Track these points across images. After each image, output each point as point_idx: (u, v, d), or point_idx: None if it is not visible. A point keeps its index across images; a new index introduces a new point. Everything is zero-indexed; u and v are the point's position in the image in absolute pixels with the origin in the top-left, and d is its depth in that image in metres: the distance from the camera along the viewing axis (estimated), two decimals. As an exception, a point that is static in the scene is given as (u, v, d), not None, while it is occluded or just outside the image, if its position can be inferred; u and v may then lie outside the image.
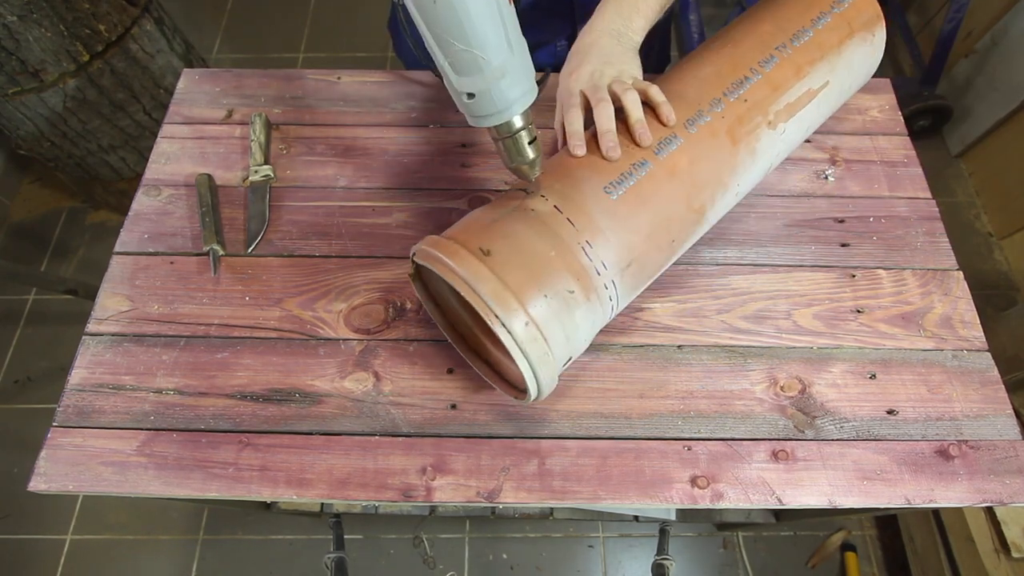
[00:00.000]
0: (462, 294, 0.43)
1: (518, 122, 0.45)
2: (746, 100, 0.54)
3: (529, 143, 0.46)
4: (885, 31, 0.62)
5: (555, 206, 0.47)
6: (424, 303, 0.54)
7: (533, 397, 0.46)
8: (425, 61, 0.86)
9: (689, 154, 0.51)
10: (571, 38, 0.76)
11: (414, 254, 0.48)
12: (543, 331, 0.44)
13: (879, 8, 0.61)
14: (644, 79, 0.55)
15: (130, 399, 0.54)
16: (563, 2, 0.73)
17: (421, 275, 0.53)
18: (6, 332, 1.54)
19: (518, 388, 0.52)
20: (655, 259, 0.52)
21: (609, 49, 0.54)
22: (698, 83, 0.54)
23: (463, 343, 0.55)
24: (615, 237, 0.48)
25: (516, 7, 0.62)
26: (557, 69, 0.74)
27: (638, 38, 0.56)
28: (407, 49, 0.85)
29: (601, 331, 0.56)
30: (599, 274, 0.47)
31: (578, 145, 0.50)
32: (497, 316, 0.42)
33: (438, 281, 0.52)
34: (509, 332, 0.42)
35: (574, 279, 0.45)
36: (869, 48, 0.62)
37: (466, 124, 0.47)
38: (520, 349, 0.43)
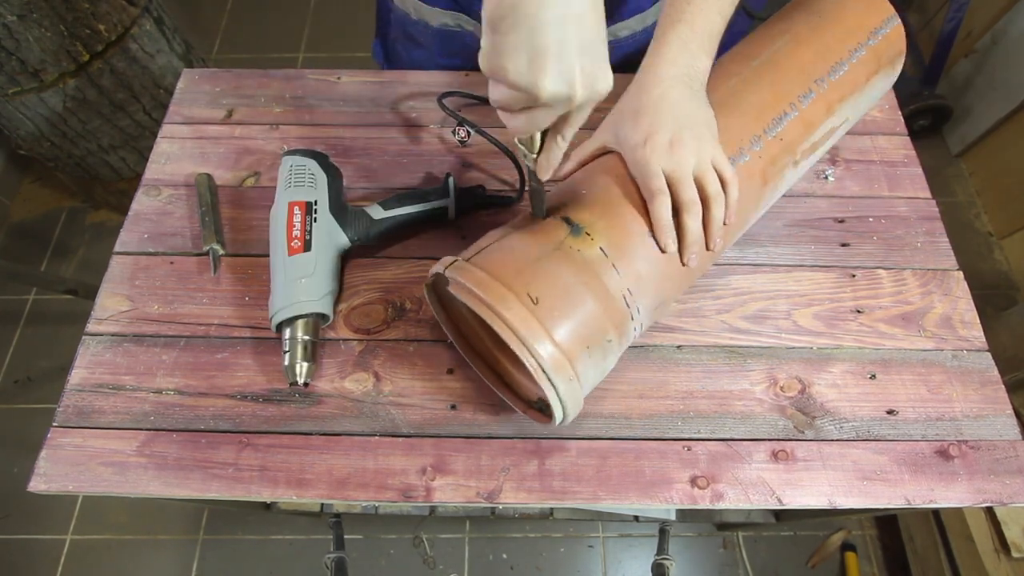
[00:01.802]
0: (511, 347, 0.41)
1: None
2: (781, 139, 0.54)
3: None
4: (903, 62, 0.62)
5: (601, 249, 0.45)
6: (436, 314, 0.53)
7: (557, 424, 0.46)
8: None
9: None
10: None
11: (441, 276, 0.46)
12: (581, 380, 0.44)
13: (905, 41, 0.61)
14: None
15: (130, 399, 0.54)
16: None
17: (436, 286, 0.51)
18: (6, 332, 1.54)
19: (530, 403, 0.52)
20: (677, 295, 0.53)
21: (683, 105, 0.47)
22: (740, 115, 0.52)
23: (470, 349, 0.54)
24: (652, 284, 0.48)
25: None
26: None
27: (705, 78, 0.49)
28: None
29: (601, 331, 0.56)
30: (633, 319, 0.47)
31: (670, 242, 0.47)
32: (548, 377, 0.42)
33: (457, 300, 0.51)
34: (555, 390, 0.43)
35: (613, 328, 0.46)
36: (887, 81, 0.62)
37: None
38: (560, 402, 0.43)
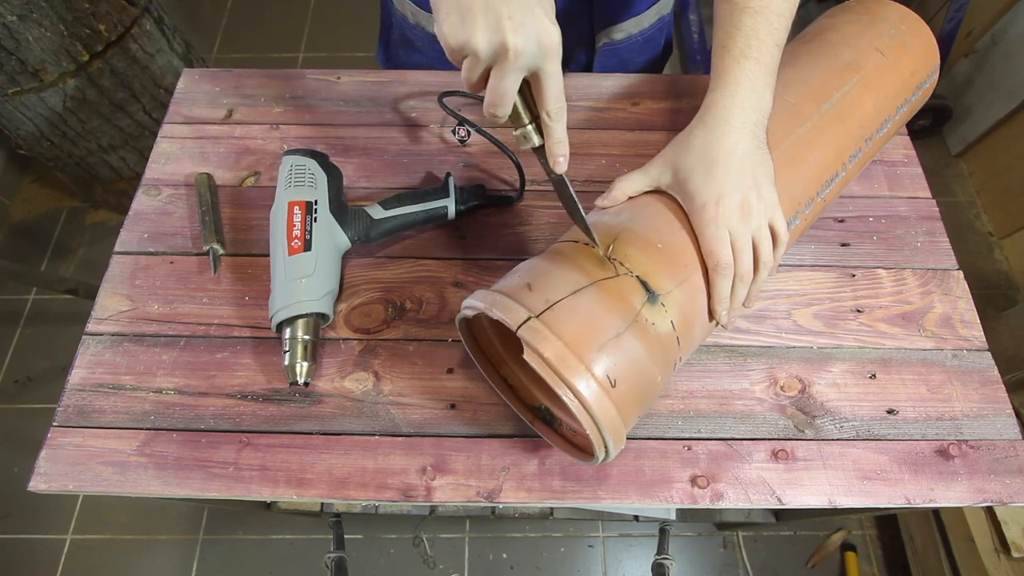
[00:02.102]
0: (585, 429, 0.41)
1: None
2: (824, 200, 0.54)
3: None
4: None
5: (672, 323, 0.44)
6: (460, 330, 0.50)
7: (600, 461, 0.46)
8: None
9: None
10: (591, 47, 0.75)
11: (481, 315, 0.44)
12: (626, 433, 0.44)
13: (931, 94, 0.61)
14: None
15: (130, 399, 0.54)
16: (583, 13, 0.72)
17: (471, 325, 0.50)
18: (6, 332, 1.54)
19: (534, 408, 0.52)
20: None
21: (753, 159, 0.46)
22: (806, 175, 0.52)
23: (489, 366, 0.53)
24: (697, 343, 0.49)
25: None
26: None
27: (767, 121, 0.48)
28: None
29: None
30: (674, 374, 0.48)
31: (724, 314, 0.47)
32: (606, 448, 0.42)
33: (489, 330, 0.51)
34: (607, 455, 0.43)
35: (660, 391, 0.46)
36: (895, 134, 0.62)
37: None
38: (607, 458, 0.44)
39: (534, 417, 0.51)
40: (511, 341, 0.45)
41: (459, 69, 0.38)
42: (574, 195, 0.45)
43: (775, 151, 0.50)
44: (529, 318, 0.41)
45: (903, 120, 0.60)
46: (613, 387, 0.41)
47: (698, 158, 0.46)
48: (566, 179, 0.45)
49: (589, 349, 0.40)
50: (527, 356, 0.40)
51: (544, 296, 0.42)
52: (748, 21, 0.47)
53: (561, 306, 0.41)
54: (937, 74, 0.60)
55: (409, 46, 0.78)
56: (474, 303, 0.44)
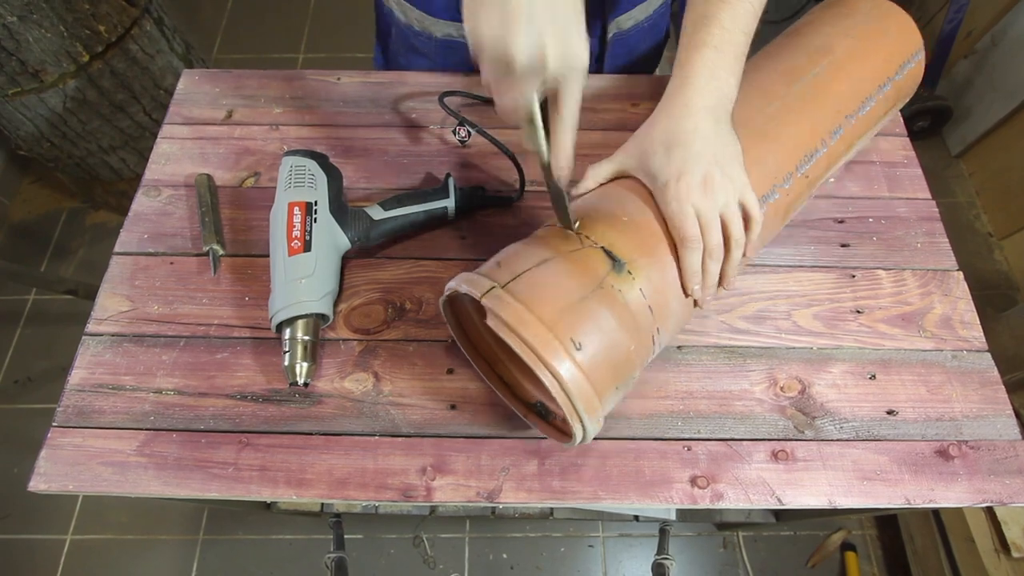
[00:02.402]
0: (552, 393, 0.41)
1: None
2: (807, 176, 0.54)
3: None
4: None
5: (641, 291, 0.45)
6: (452, 328, 0.51)
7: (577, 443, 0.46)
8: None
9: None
10: (601, 38, 0.76)
11: (468, 299, 0.44)
12: (605, 411, 0.45)
13: (922, 74, 0.61)
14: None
15: (130, 399, 0.54)
16: (593, 3, 0.71)
17: (453, 303, 0.50)
18: (6, 332, 1.54)
19: (529, 404, 0.52)
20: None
21: (714, 139, 0.47)
22: (778, 148, 0.52)
23: (486, 366, 0.53)
24: (675, 321, 0.49)
25: None
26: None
27: (732, 104, 0.49)
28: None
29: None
30: (653, 354, 0.48)
31: (696, 288, 0.47)
32: (581, 421, 0.42)
33: (472, 313, 0.51)
34: (584, 431, 0.43)
35: (639, 367, 0.46)
36: (895, 113, 0.62)
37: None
38: (585, 437, 0.44)
39: (528, 411, 0.52)
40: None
41: (462, 71, 0.39)
42: (563, 191, 0.46)
43: (744, 129, 0.51)
44: (493, 287, 0.42)
45: (891, 99, 0.59)
46: (578, 349, 0.41)
47: (659, 140, 0.48)
48: (561, 183, 0.45)
49: (549, 310, 0.41)
50: (489, 321, 0.41)
51: (510, 269, 0.44)
52: (712, 10, 0.48)
53: (525, 276, 0.43)
54: (922, 53, 0.60)
55: (413, 52, 0.78)
56: (449, 284, 0.45)
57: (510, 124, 0.40)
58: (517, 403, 0.52)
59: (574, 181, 0.51)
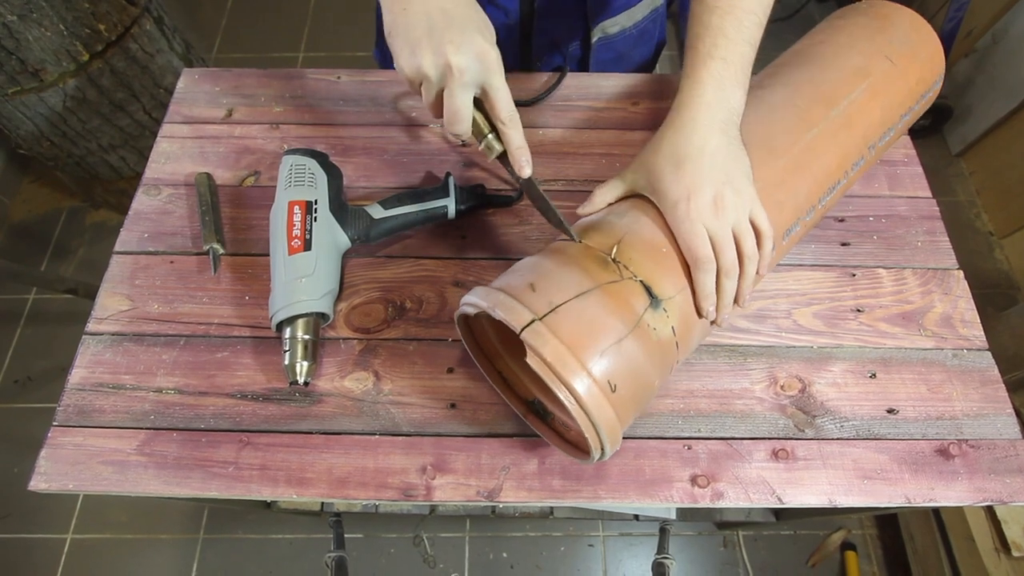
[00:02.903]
0: (583, 430, 0.41)
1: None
2: (825, 207, 0.54)
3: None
4: None
5: (672, 328, 0.44)
6: (458, 327, 0.50)
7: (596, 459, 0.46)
8: None
9: (773, 260, 0.51)
10: (585, 41, 0.76)
11: (508, 325, 0.42)
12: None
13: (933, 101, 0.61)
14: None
15: (130, 398, 0.54)
16: (576, 7, 0.72)
17: (468, 320, 0.50)
18: (6, 332, 1.54)
19: (528, 402, 0.52)
20: None
21: (723, 156, 0.46)
22: (811, 182, 0.52)
23: (485, 359, 0.53)
24: (695, 345, 0.49)
25: (529, 8, 0.64)
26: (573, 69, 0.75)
27: (739, 117, 0.48)
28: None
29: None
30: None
31: (712, 310, 0.46)
32: (602, 448, 0.42)
33: (485, 323, 0.51)
34: (603, 456, 0.44)
35: (656, 393, 0.47)
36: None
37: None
38: (603, 457, 0.44)
39: (527, 410, 0.52)
40: (507, 335, 0.45)
41: None
42: (544, 194, 0.48)
43: (783, 158, 0.50)
44: (532, 320, 0.41)
45: (904, 128, 0.60)
46: (613, 391, 0.41)
47: (667, 158, 0.47)
48: (533, 180, 0.48)
49: (591, 353, 0.40)
50: (530, 359, 0.40)
51: (547, 298, 0.42)
52: (716, 21, 0.48)
53: (565, 309, 0.41)
54: (941, 82, 0.60)
55: None
56: (476, 301, 0.44)
57: (465, 141, 0.45)
58: (514, 399, 0.52)
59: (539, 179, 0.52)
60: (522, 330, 0.40)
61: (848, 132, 0.53)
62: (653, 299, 0.44)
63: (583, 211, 0.51)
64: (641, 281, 0.44)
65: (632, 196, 0.50)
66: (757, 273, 0.48)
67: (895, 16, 0.59)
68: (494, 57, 0.43)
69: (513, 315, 0.41)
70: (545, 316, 0.41)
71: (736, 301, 0.48)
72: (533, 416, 0.51)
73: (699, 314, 0.47)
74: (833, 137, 0.53)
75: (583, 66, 0.78)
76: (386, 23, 0.44)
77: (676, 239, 0.46)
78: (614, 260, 0.44)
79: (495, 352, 0.53)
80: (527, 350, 0.41)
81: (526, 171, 0.46)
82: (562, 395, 0.40)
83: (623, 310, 0.42)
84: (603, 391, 0.40)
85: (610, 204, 0.51)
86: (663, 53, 0.86)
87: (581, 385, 0.40)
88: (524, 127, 0.47)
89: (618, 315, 0.42)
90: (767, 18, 0.50)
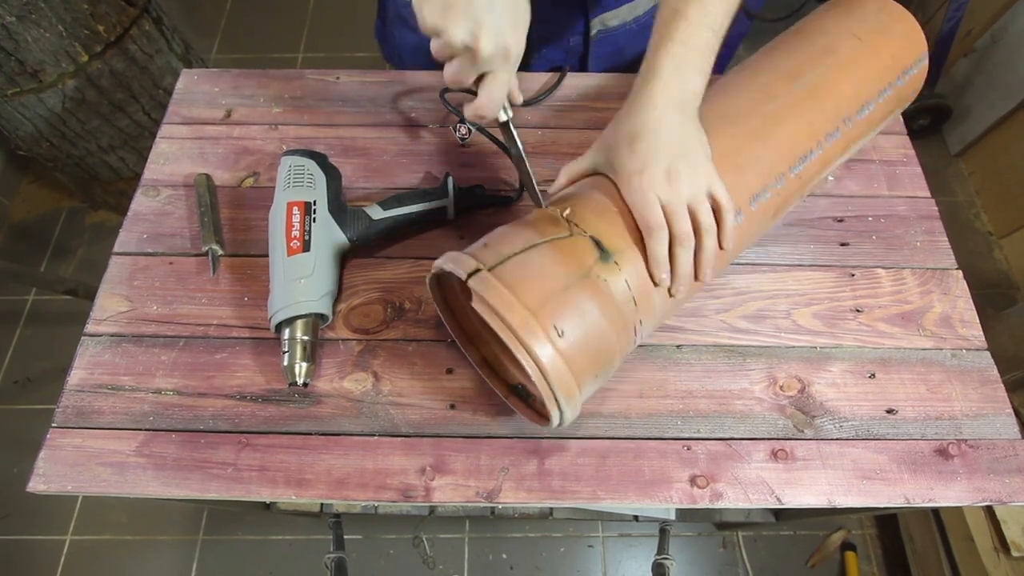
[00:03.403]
0: (533, 379, 0.41)
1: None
2: (800, 177, 0.53)
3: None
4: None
5: (626, 281, 0.45)
6: (437, 304, 0.52)
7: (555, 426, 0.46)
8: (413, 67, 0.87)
9: (741, 231, 0.50)
10: (584, 34, 0.76)
11: (451, 276, 0.44)
12: (582, 398, 0.45)
13: (923, 81, 0.61)
14: None
15: (129, 400, 0.54)
16: None
17: (440, 280, 0.51)
18: (6, 332, 1.54)
19: (511, 386, 0.52)
20: (667, 320, 0.54)
21: (678, 131, 0.47)
22: (774, 149, 0.52)
23: (470, 345, 0.54)
24: (658, 313, 0.49)
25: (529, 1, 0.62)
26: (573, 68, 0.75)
27: (698, 100, 0.48)
28: (396, 56, 0.85)
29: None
30: (634, 344, 0.48)
31: (665, 276, 0.47)
32: (558, 404, 0.43)
33: (459, 292, 0.51)
34: (561, 415, 0.43)
35: (619, 353, 0.46)
36: (894, 118, 0.62)
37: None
38: (561, 420, 0.44)
39: (509, 393, 0.52)
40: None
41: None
42: (524, 156, 0.50)
43: (742, 126, 0.51)
44: (479, 269, 0.43)
45: (891, 104, 0.59)
46: (560, 336, 0.41)
47: (623, 135, 0.48)
48: (522, 149, 0.50)
49: (535, 297, 0.42)
50: (474, 303, 0.42)
51: (496, 251, 0.44)
52: (682, 6, 0.48)
53: (512, 260, 0.43)
54: (926, 60, 0.60)
55: (404, 25, 0.78)
56: (436, 262, 0.46)
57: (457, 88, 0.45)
58: (499, 384, 0.52)
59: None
60: (468, 277, 0.42)
61: (813, 103, 0.54)
62: (603, 252, 0.45)
63: (551, 190, 0.53)
64: (591, 236, 0.45)
65: (594, 174, 0.51)
66: (721, 248, 0.48)
67: (864, 2, 0.60)
68: (516, 52, 0.43)
69: (462, 266, 0.43)
70: (494, 267, 0.43)
71: (696, 276, 0.48)
72: (516, 399, 0.52)
73: (653, 282, 0.47)
74: (796, 107, 0.53)
75: (583, 60, 0.78)
76: None
77: (630, 211, 0.47)
78: (566, 219, 0.46)
79: (479, 337, 0.53)
80: (473, 297, 0.42)
81: (486, 114, 0.47)
82: (504, 336, 0.40)
83: (571, 260, 0.44)
84: (547, 333, 0.41)
85: (573, 182, 0.53)
86: None
87: (525, 327, 0.40)
88: (523, 127, 0.48)
89: (564, 265, 0.43)
90: (735, 7, 0.50)
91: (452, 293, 0.53)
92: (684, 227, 0.46)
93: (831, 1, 0.62)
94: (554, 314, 0.41)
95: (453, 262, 0.44)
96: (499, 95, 0.44)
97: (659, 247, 0.46)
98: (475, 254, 0.44)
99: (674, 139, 0.46)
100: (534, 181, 0.51)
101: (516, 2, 0.42)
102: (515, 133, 0.49)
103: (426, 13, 0.41)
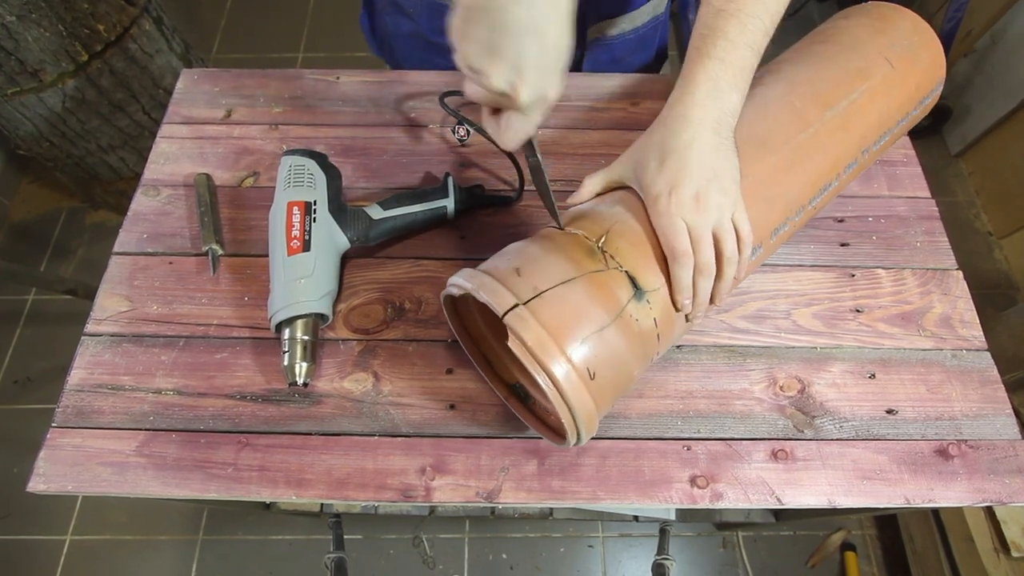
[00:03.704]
0: (562, 419, 0.42)
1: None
2: (814, 207, 0.54)
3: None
4: None
5: (655, 320, 0.45)
6: (444, 307, 0.51)
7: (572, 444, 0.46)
8: (388, 60, 0.86)
9: (756, 260, 0.51)
10: (580, 41, 0.75)
11: (494, 309, 0.42)
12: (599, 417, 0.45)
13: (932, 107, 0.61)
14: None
15: (129, 399, 0.54)
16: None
17: (454, 301, 0.50)
18: (6, 332, 1.54)
19: (510, 385, 0.52)
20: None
21: (711, 154, 0.45)
22: (803, 182, 0.52)
23: (457, 319, 0.53)
24: (676, 339, 0.50)
25: None
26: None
27: (735, 120, 0.47)
28: (387, 48, 0.85)
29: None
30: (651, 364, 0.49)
31: (688, 304, 0.46)
32: (579, 434, 0.43)
33: (472, 306, 0.51)
34: (579, 441, 0.44)
35: (638, 377, 0.47)
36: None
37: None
38: (579, 442, 0.45)
39: (509, 393, 0.52)
40: (492, 318, 0.45)
41: (443, 43, 0.41)
42: (544, 170, 0.47)
43: (776, 155, 0.50)
44: (516, 305, 0.41)
45: (901, 132, 0.60)
46: (592, 379, 0.41)
47: (654, 152, 0.47)
48: (542, 162, 0.46)
49: (571, 340, 0.41)
50: (511, 343, 0.41)
51: (532, 283, 0.42)
52: (720, 23, 0.47)
53: (548, 295, 0.42)
54: (941, 87, 0.60)
55: (399, 12, 0.77)
56: (461, 283, 0.44)
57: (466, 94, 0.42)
58: (497, 382, 0.52)
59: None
60: (505, 314, 0.41)
61: (844, 134, 0.53)
62: (637, 290, 0.44)
63: (573, 200, 0.52)
64: (626, 272, 0.44)
65: (620, 188, 0.50)
66: (735, 277, 0.48)
67: (896, 18, 0.59)
68: (554, 98, 0.40)
69: (497, 298, 0.42)
70: (529, 301, 0.41)
71: (712, 301, 0.48)
72: (515, 400, 0.52)
73: (675, 307, 0.47)
74: (828, 138, 0.52)
75: (576, 68, 0.78)
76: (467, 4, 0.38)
77: (656, 232, 0.46)
78: (601, 249, 0.45)
79: (480, 335, 0.53)
80: (509, 334, 0.41)
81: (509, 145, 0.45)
82: (541, 380, 0.40)
83: (607, 299, 0.43)
84: (581, 378, 0.41)
85: (598, 194, 0.51)
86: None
87: (560, 370, 0.40)
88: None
89: (601, 304, 0.43)
90: (774, 26, 0.49)
91: (486, 342, 0.53)
92: (708, 256, 0.45)
93: (864, 8, 0.60)
94: (588, 359, 0.41)
95: (487, 292, 0.42)
96: (525, 135, 0.42)
97: (684, 274, 0.45)
98: (507, 282, 0.43)
99: (706, 161, 0.45)
100: (552, 197, 0.48)
101: (562, 44, 0.39)
102: (536, 147, 0.46)
103: (467, 51, 0.38)
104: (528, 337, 0.40)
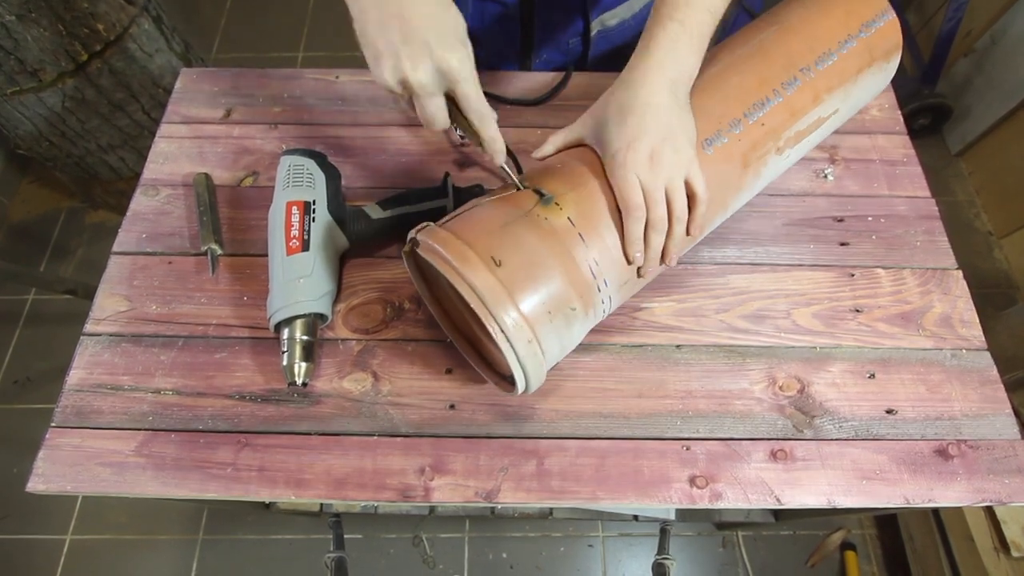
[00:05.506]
0: (471, 305, 0.42)
1: None
2: (763, 124, 0.54)
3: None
4: (899, 58, 0.62)
5: (568, 218, 0.46)
6: (412, 276, 0.53)
7: (520, 392, 0.47)
8: None
9: (712, 185, 0.51)
10: (584, 35, 0.76)
11: (414, 240, 0.47)
12: (543, 346, 0.45)
13: (900, 36, 0.60)
14: None
15: (128, 399, 0.54)
16: (575, 1, 0.71)
17: (415, 254, 0.51)
18: (6, 332, 1.54)
19: (502, 375, 0.52)
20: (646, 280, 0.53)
21: (667, 113, 0.47)
22: (722, 97, 0.53)
23: (448, 320, 0.55)
24: (620, 260, 0.48)
25: (528, 1, 0.62)
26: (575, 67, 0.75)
27: (691, 81, 0.49)
28: None
29: (599, 330, 0.56)
30: (600, 291, 0.48)
31: (638, 256, 0.48)
32: (507, 338, 0.43)
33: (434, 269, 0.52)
34: (515, 354, 0.44)
35: (578, 297, 0.46)
36: (882, 76, 0.62)
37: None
38: (520, 367, 0.44)
39: (500, 379, 0.52)
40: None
41: None
42: (512, 174, 0.50)
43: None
44: (427, 225, 0.47)
45: (863, 56, 0.59)
46: (498, 266, 0.43)
47: (613, 110, 0.48)
48: (506, 168, 0.50)
49: (474, 235, 0.44)
50: (422, 251, 0.45)
51: (451, 214, 0.48)
52: None
53: (460, 215, 0.47)
54: (891, 14, 0.59)
55: None
56: (411, 234, 0.48)
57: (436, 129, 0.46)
58: (493, 375, 0.52)
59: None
60: (417, 232, 0.46)
61: (762, 59, 0.55)
62: (543, 196, 0.47)
63: (536, 155, 0.54)
64: (536, 188, 0.48)
65: (580, 145, 0.52)
66: (688, 234, 0.49)
67: None
68: (455, 65, 0.42)
69: (416, 228, 0.47)
70: (443, 223, 0.47)
71: (663, 259, 0.49)
72: (508, 384, 0.51)
73: (627, 260, 0.48)
74: (742, 64, 0.55)
75: (581, 61, 0.78)
76: (355, 29, 0.44)
77: (612, 187, 0.48)
78: (535, 191, 0.48)
79: (464, 321, 0.54)
80: (422, 248, 0.45)
81: (499, 159, 0.49)
82: (450, 276, 0.42)
83: (512, 206, 0.47)
84: (486, 264, 0.43)
85: (560, 150, 0.53)
86: None
87: (466, 262, 0.42)
88: (524, 127, 0.48)
89: (507, 210, 0.46)
90: None
91: (447, 298, 0.53)
92: (659, 213, 0.47)
93: None
94: (492, 246, 0.43)
95: (414, 229, 0.47)
96: (476, 103, 0.45)
97: (636, 227, 0.47)
98: (437, 222, 0.47)
99: (662, 119, 0.47)
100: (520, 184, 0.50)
101: (432, 16, 0.42)
102: (510, 171, 0.50)
103: (371, 68, 0.43)
104: (432, 239, 0.44)
